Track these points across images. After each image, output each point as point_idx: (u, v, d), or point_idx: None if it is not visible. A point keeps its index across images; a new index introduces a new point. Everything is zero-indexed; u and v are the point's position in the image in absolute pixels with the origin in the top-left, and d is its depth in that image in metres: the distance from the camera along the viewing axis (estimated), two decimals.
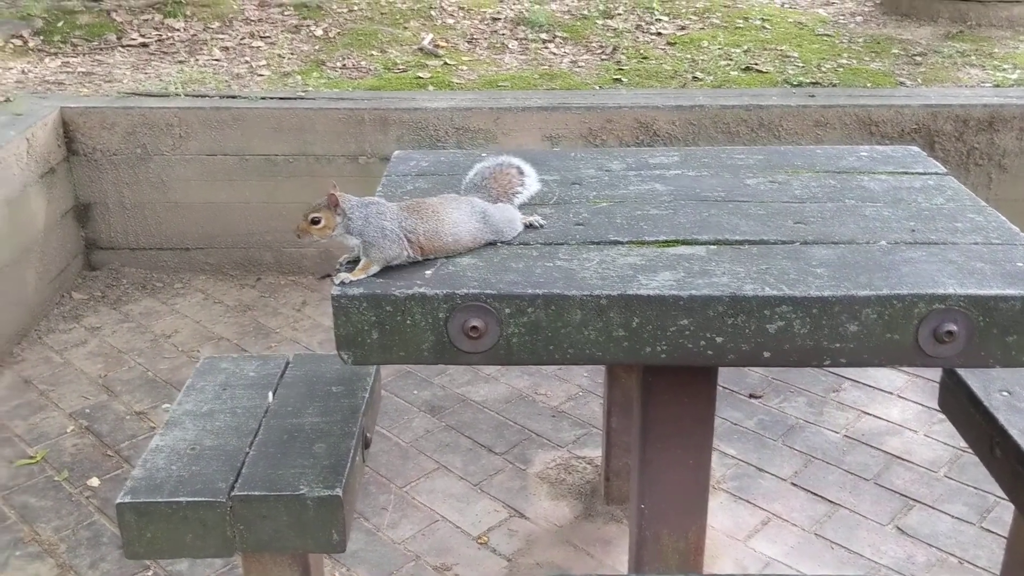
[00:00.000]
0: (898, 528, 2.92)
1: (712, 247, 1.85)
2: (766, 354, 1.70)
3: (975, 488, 3.07)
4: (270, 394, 2.34)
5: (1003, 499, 3.00)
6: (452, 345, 1.73)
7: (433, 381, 3.76)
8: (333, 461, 2.07)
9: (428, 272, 1.77)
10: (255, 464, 2.07)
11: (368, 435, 2.29)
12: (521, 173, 2.09)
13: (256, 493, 1.98)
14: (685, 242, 1.87)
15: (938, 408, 2.78)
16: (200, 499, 1.97)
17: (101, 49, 5.36)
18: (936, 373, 3.55)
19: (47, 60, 5.20)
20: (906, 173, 2.26)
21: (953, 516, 2.96)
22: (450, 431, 3.45)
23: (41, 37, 5.46)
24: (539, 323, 1.70)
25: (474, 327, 1.70)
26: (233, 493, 1.99)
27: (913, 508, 3.01)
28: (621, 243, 1.88)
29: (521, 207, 2.07)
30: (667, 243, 1.87)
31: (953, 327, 1.65)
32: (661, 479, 2.16)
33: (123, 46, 5.40)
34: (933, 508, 3.00)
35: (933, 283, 1.68)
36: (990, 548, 2.81)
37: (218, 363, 2.50)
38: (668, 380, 2.03)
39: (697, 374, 2.02)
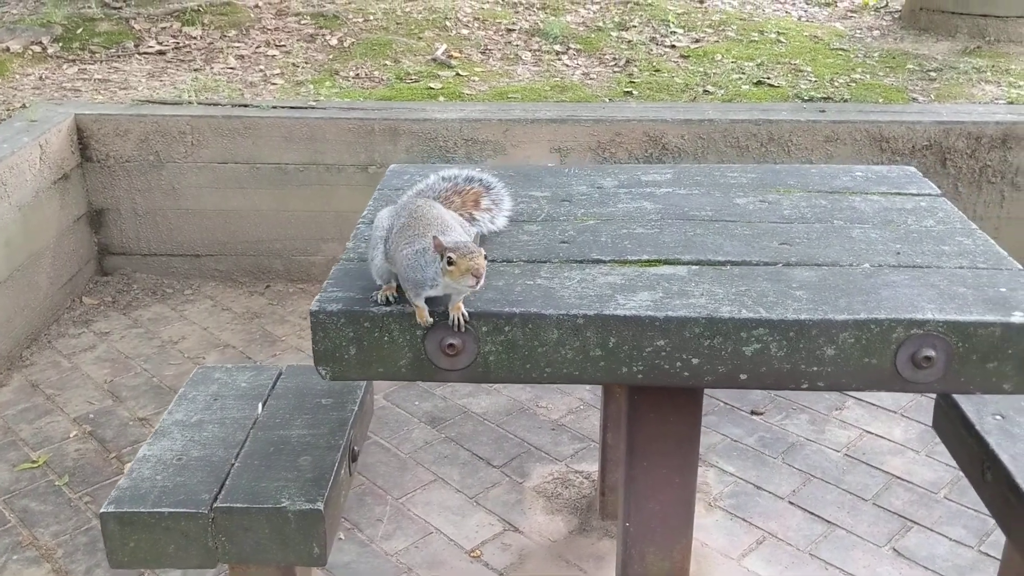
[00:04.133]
0: (895, 550, 2.89)
1: (694, 267, 1.84)
2: (743, 376, 1.69)
3: (975, 511, 3.04)
4: (260, 405, 2.35)
5: None
6: (430, 362, 1.73)
7: (435, 392, 3.76)
8: (317, 474, 2.08)
9: None
10: (239, 476, 2.08)
11: (355, 448, 2.30)
12: (487, 188, 2.05)
13: (238, 505, 1.99)
14: (667, 262, 1.87)
15: None
16: (182, 510, 1.99)
17: (119, 56, 5.42)
18: None
19: (65, 67, 5.27)
20: (899, 194, 2.25)
21: (951, 539, 2.93)
22: (449, 443, 3.45)
23: (60, 44, 5.53)
24: (516, 341, 1.70)
25: (451, 344, 1.70)
26: (216, 504, 2.00)
27: (911, 530, 2.98)
28: (603, 262, 1.88)
29: (506, 226, 2.06)
30: (649, 263, 1.87)
31: (932, 352, 1.64)
32: (646, 498, 2.15)
33: (140, 53, 5.46)
34: (931, 530, 2.97)
35: (912, 307, 1.66)
36: (988, 573, 2.78)
37: (211, 373, 2.52)
38: (654, 399, 2.02)
39: (682, 393, 2.01)
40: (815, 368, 1.67)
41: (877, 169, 2.42)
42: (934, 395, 3.50)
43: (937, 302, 1.68)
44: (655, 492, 2.13)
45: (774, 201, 2.19)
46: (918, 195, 2.25)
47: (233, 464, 2.13)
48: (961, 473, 3.18)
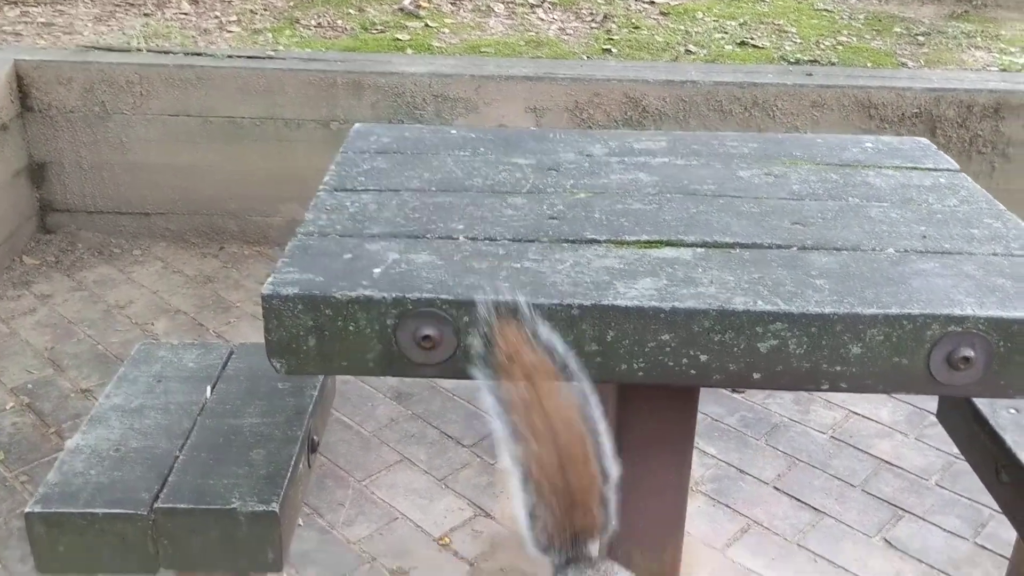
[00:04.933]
0: (886, 540, 2.75)
1: (699, 250, 1.64)
2: (756, 375, 1.49)
3: (969, 499, 2.90)
4: (208, 388, 2.13)
5: (999, 512, 2.82)
6: (402, 355, 1.52)
7: None
8: (271, 470, 1.86)
9: (376, 271, 1.55)
10: (184, 471, 1.86)
11: (315, 438, 2.09)
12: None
13: (182, 506, 1.78)
14: (670, 243, 1.66)
15: (933, 412, 2.60)
16: (119, 511, 1.76)
17: None
18: None
19: (6, 9, 4.92)
20: (915, 169, 2.06)
21: (945, 529, 2.79)
22: (417, 420, 3.25)
23: None
24: None
25: (427, 336, 1.49)
26: (157, 504, 1.78)
27: (902, 519, 2.83)
28: (599, 242, 1.67)
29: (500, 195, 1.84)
30: (649, 244, 1.66)
31: (970, 353, 1.45)
32: (635, 497, 1.96)
33: None
34: (924, 520, 2.83)
35: (949, 301, 1.47)
36: (985, 567, 2.64)
37: (155, 350, 2.29)
38: (647, 394, 1.83)
39: (679, 389, 1.82)
40: (838, 368, 1.48)
41: (888, 140, 2.23)
42: None
43: (976, 295, 1.49)
44: (645, 492, 1.94)
45: (781, 174, 1.99)
46: (935, 170, 2.06)
47: (178, 457, 1.91)
48: (954, 459, 3.05)
